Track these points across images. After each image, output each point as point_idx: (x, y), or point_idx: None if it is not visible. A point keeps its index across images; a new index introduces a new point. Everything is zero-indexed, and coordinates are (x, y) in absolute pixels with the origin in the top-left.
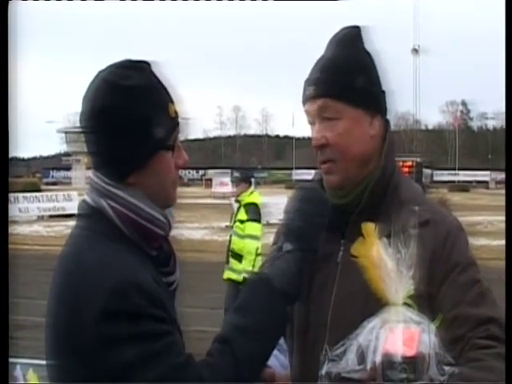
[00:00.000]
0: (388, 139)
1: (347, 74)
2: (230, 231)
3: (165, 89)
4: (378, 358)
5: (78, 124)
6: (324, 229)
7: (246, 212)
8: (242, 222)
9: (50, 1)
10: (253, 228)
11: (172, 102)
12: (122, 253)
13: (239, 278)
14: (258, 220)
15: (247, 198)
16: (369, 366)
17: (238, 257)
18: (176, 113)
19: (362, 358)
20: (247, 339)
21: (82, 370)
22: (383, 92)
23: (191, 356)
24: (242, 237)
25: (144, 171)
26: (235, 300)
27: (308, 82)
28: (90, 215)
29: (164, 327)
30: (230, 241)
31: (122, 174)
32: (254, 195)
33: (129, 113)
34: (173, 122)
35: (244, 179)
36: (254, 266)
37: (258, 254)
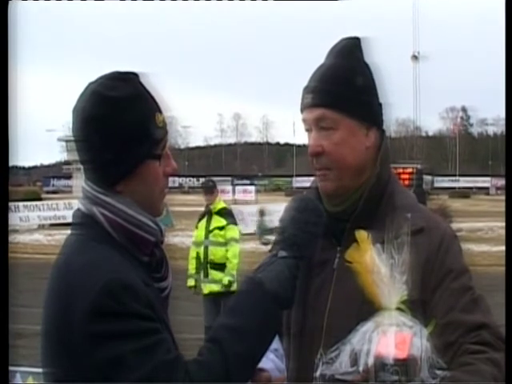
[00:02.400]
0: (383, 149)
1: (345, 85)
2: (204, 243)
3: (153, 99)
4: (371, 360)
5: (71, 134)
6: (318, 237)
7: (224, 217)
8: (221, 228)
9: (49, 1)
10: (235, 231)
11: (160, 111)
12: (112, 255)
13: (222, 284)
14: (236, 223)
15: (218, 205)
16: (361, 368)
17: (219, 266)
18: (164, 122)
19: (354, 360)
20: (237, 339)
21: (73, 372)
22: (380, 104)
23: (180, 355)
24: (223, 243)
25: (132, 179)
26: (215, 316)
27: (306, 90)
28: (82, 222)
29: (152, 325)
30: (204, 254)
31: (111, 182)
32: (221, 201)
33: (115, 123)
34: (160, 132)
35: (215, 187)
36: (237, 269)
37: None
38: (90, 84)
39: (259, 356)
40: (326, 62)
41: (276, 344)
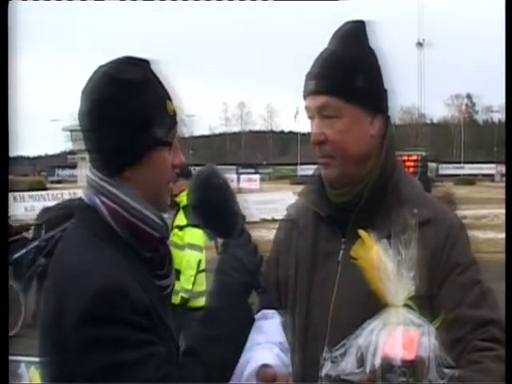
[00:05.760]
0: (388, 137)
1: (350, 72)
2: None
3: (163, 86)
4: (378, 362)
5: (76, 122)
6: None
7: (186, 216)
8: (180, 228)
9: (50, 0)
10: (193, 235)
11: (170, 99)
12: (111, 254)
13: (175, 299)
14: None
15: (185, 199)
16: (368, 369)
17: (177, 273)
18: (174, 111)
19: (361, 360)
20: (215, 347)
21: (63, 371)
22: (385, 91)
23: (170, 371)
24: (181, 247)
25: (140, 166)
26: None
27: (309, 76)
28: (84, 213)
29: (145, 337)
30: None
31: (119, 168)
32: None
33: (126, 106)
34: (171, 120)
35: (184, 175)
36: (194, 283)
37: (200, 270)
38: (101, 67)
39: (238, 353)
40: (329, 46)
41: (281, 337)
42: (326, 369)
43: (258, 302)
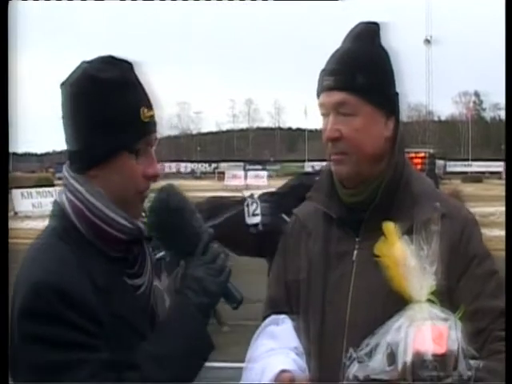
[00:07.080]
0: (399, 138)
1: (367, 71)
2: None
3: (143, 91)
4: (409, 358)
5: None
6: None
7: None
8: None
9: (50, 0)
10: None
11: (148, 106)
12: (64, 253)
13: None
14: None
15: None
16: (400, 367)
17: None
18: (151, 119)
19: (391, 358)
20: (158, 365)
21: (13, 360)
22: (397, 93)
23: (111, 381)
24: None
25: (105, 168)
26: None
27: (325, 73)
28: (54, 211)
29: (83, 339)
30: None
31: (85, 165)
32: None
33: (95, 104)
34: (144, 127)
35: None
36: None
37: None
38: (83, 62)
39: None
40: (344, 45)
41: (295, 342)
42: (354, 369)
43: (264, 306)
